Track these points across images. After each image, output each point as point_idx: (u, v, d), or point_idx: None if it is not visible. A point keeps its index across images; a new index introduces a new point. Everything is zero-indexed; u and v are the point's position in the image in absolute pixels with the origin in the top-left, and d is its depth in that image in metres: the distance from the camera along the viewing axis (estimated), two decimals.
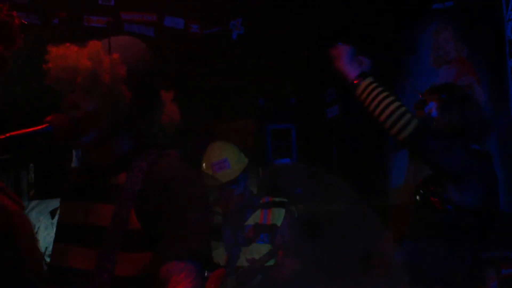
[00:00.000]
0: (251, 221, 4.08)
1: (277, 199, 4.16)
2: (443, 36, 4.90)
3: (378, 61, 4.91)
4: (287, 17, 5.11)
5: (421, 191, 3.30)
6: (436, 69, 4.98)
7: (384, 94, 3.10)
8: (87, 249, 2.06)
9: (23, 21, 2.11)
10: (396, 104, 3.06)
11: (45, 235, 5.31)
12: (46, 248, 5.01)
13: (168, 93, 2.29)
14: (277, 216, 4.07)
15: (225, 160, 4.06)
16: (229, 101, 5.11)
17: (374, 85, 3.15)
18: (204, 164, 4.10)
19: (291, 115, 5.57)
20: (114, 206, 2.05)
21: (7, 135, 1.89)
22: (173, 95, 2.30)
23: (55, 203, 5.26)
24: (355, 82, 3.20)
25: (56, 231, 2.24)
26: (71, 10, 4.77)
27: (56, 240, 2.20)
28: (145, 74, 2.14)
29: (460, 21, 4.85)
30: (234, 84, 5.03)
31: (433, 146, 3.07)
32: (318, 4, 5.05)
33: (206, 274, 3.54)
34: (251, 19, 5.18)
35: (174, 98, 2.30)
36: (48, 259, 2.31)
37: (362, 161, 4.36)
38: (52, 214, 5.36)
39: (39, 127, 1.98)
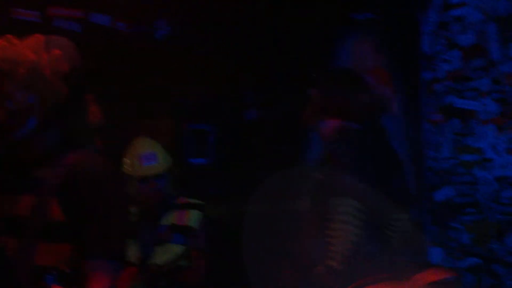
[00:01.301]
0: (166, 221, 4.09)
1: (193, 201, 4.19)
2: (362, 46, 4.99)
3: (297, 68, 5.00)
4: (212, 20, 5.13)
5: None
6: None
7: None
8: (10, 239, 2.07)
9: None
10: None
11: None
12: None
13: (89, 94, 2.33)
14: (193, 218, 4.09)
15: (154, 153, 4.07)
16: (150, 100, 5.11)
17: None
18: (130, 156, 4.09)
19: (209, 116, 5.58)
20: (35, 197, 2.07)
21: None
22: (93, 97, 2.34)
23: None
24: None
25: None
26: None
27: None
28: (80, 73, 2.17)
29: (379, 32, 4.95)
30: (155, 83, 5.03)
31: None
32: (242, 9, 5.09)
33: None
34: (176, 19, 5.18)
35: (95, 99, 2.34)
36: None
37: (279, 165, 4.41)
38: None
39: None
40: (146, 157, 4.07)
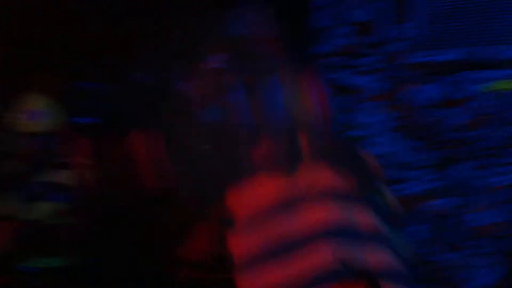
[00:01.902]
0: (43, 178, 4.04)
1: (72, 160, 4.15)
2: (255, 16, 4.99)
3: (189, 35, 4.96)
4: None
5: None
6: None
7: None
8: None
9: None
10: None
11: None
12: None
13: None
14: (70, 177, 4.06)
15: (43, 111, 4.04)
16: (37, 55, 5.02)
17: None
18: (15, 111, 4.03)
19: (99, 75, 5.53)
20: None
21: None
22: None
23: None
24: None
25: None
26: None
27: None
28: None
29: (273, 2, 4.96)
30: (41, 37, 4.94)
31: None
32: None
33: None
34: None
35: None
36: None
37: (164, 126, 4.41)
38: None
39: None
40: (35, 114, 4.03)
